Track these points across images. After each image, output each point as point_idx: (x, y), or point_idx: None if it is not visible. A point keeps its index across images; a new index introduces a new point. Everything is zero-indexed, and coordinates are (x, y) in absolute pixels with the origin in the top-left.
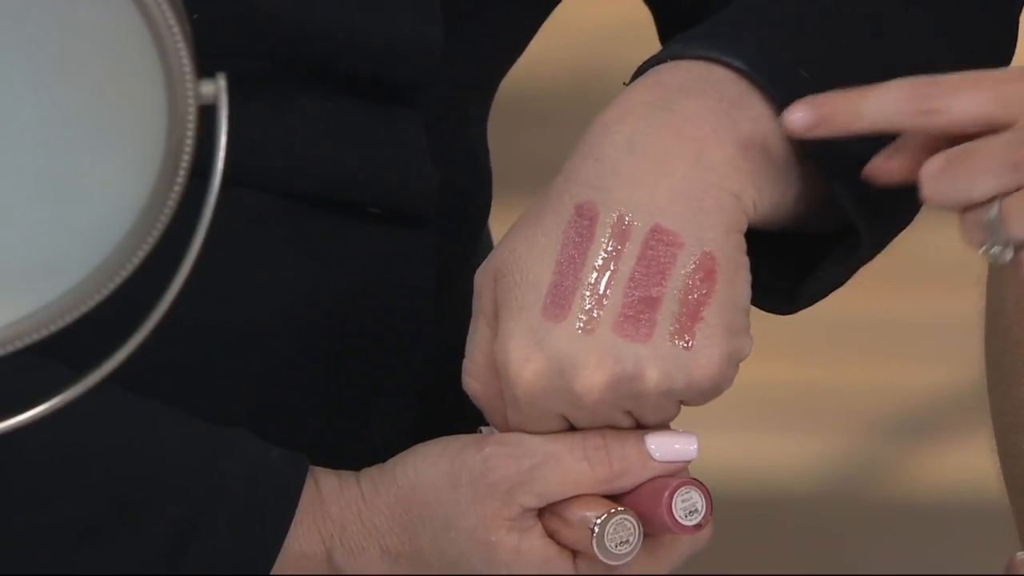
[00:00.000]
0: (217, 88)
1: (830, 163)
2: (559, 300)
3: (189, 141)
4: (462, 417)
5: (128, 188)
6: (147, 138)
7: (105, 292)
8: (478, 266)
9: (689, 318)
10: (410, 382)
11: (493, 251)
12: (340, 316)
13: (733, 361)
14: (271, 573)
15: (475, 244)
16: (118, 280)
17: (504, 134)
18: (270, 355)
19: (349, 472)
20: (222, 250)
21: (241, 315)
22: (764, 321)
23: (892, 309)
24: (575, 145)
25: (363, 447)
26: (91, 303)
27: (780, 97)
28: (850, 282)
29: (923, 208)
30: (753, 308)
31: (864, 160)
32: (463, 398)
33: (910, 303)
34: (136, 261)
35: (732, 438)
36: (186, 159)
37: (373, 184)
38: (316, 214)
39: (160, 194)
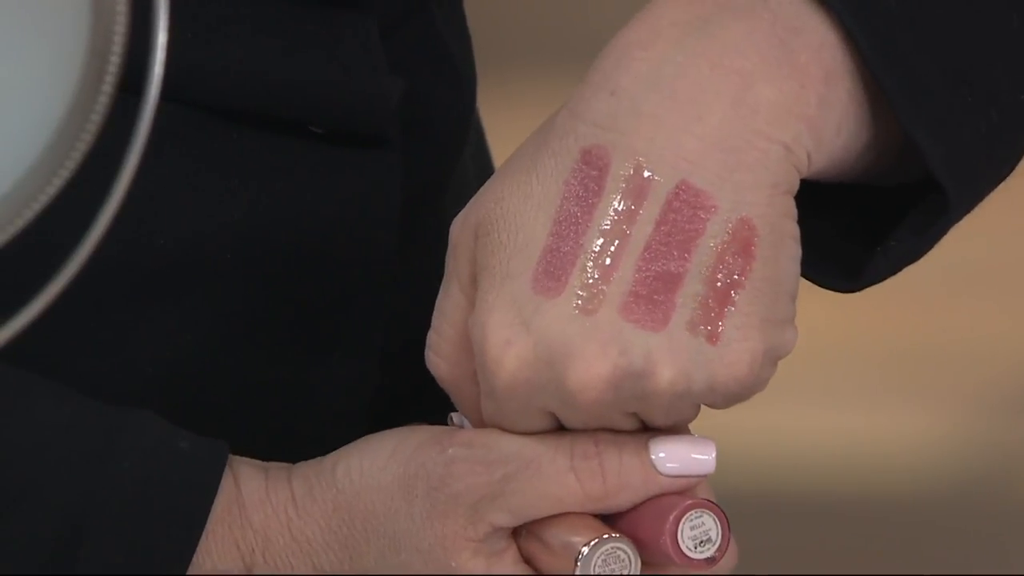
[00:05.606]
0: None
1: (914, 105)
2: (554, 270)
3: (119, 39)
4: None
5: (41, 98)
6: (65, 34)
7: (12, 230)
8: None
9: (717, 303)
10: (370, 338)
11: (475, 198)
12: (278, 258)
13: (770, 360)
14: None
15: (451, 167)
16: (29, 214)
17: (494, 36)
18: (192, 305)
19: (280, 466)
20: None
21: (150, 257)
22: None
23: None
24: (586, 68)
25: (312, 423)
26: None
27: (852, 21)
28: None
29: None
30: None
31: (955, 102)
32: None
33: None
34: (52, 190)
35: (800, 414)
36: (115, 61)
37: (313, 97)
38: (242, 133)
39: (82, 106)
